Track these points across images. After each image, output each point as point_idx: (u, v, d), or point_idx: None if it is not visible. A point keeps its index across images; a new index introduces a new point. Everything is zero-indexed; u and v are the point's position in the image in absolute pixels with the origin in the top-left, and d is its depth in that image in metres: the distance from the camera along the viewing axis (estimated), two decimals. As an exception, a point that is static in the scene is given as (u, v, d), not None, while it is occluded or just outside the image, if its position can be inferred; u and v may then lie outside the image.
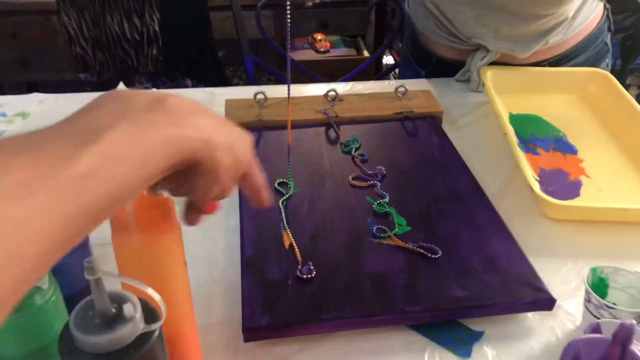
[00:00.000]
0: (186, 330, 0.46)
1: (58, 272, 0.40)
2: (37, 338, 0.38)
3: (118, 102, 0.30)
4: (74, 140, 0.27)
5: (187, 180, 0.34)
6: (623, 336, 0.30)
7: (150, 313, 0.37)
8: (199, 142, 0.31)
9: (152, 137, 0.29)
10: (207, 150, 0.32)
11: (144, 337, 0.35)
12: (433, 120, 0.83)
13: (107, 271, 0.33)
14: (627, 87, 0.88)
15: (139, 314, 0.35)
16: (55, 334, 0.38)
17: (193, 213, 0.39)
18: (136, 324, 0.35)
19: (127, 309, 0.35)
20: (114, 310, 0.35)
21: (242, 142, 0.36)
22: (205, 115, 0.33)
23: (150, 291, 0.34)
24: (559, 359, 0.35)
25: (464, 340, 0.53)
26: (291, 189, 0.68)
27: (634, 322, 0.31)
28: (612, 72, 0.95)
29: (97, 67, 1.81)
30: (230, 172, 0.34)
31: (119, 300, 0.35)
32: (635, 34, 1.69)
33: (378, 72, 2.34)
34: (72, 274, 0.41)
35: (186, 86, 1.76)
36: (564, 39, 0.94)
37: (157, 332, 0.36)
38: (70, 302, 0.41)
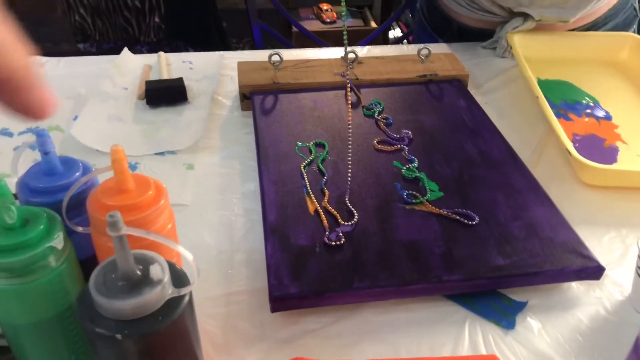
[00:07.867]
0: None
1: (72, 233, 0.36)
2: (53, 304, 0.34)
3: None
4: None
5: None
6: None
7: (178, 276, 0.33)
8: None
9: None
10: None
11: (173, 303, 0.31)
12: (459, 84, 0.79)
13: (133, 228, 0.29)
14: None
15: (167, 277, 0.31)
16: (71, 300, 0.35)
17: None
18: (165, 288, 0.31)
19: (155, 270, 0.31)
20: (139, 273, 0.31)
21: None
22: None
23: (181, 249, 0.30)
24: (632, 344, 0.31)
25: (506, 310, 0.49)
26: (313, 153, 0.64)
27: None
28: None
29: (97, 36, 1.75)
30: None
31: (144, 261, 0.31)
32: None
33: (385, 44, 2.28)
34: (86, 235, 0.37)
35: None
36: (600, 4, 0.89)
37: (187, 298, 0.32)
38: (83, 266, 0.37)
